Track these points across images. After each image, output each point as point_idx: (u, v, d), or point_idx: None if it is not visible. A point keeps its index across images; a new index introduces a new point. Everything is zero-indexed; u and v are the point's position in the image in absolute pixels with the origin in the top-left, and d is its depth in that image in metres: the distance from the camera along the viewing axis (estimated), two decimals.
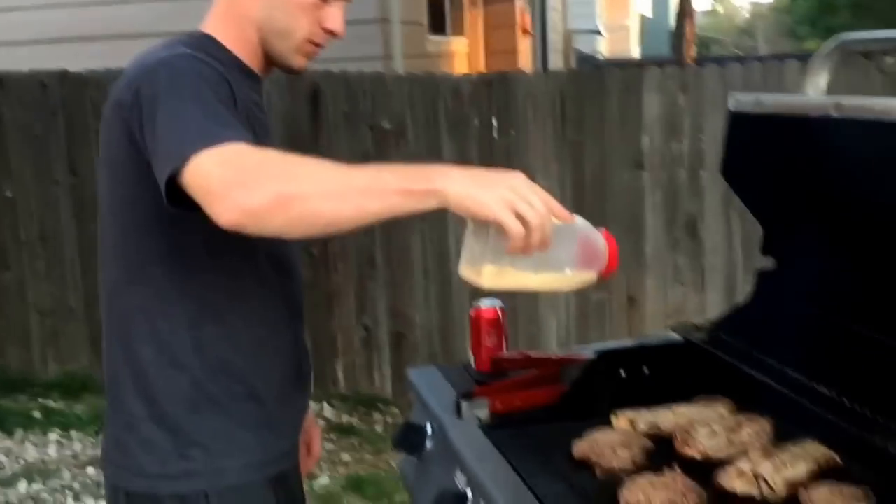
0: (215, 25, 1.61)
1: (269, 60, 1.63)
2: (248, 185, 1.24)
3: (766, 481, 1.42)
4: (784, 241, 1.74)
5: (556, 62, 9.86)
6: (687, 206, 4.61)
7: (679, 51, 7.60)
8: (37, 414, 4.95)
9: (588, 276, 1.43)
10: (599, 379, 1.77)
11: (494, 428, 1.72)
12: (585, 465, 1.56)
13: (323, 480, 4.17)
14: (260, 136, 1.53)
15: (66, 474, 4.25)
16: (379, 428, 4.82)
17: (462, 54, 8.90)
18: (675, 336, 1.96)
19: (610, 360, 1.78)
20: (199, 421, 1.56)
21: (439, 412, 1.85)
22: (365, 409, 4.98)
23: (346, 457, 4.46)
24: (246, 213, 1.23)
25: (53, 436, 4.67)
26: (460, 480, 1.65)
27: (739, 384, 1.68)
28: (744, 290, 4.62)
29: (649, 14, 18.90)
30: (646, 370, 1.82)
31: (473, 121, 4.76)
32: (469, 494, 1.60)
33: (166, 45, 1.52)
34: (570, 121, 4.67)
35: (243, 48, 1.59)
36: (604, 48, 15.03)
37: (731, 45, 26.15)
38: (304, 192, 1.24)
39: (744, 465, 1.45)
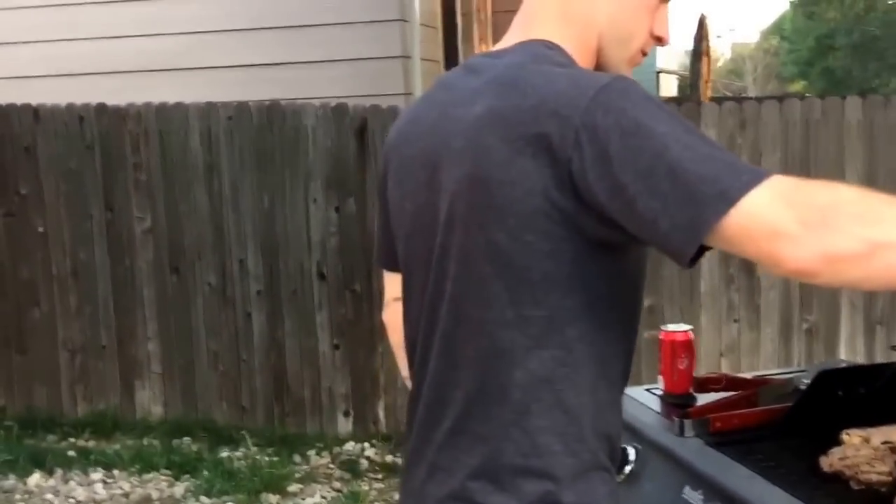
0: (553, 31, 1.36)
1: (597, 71, 1.39)
2: (829, 225, 1.07)
3: None
4: None
5: None
6: None
7: (696, 89, 7.69)
8: (72, 453, 4.78)
9: None
10: (821, 398, 1.73)
11: (722, 445, 1.69)
12: (836, 480, 1.56)
13: None
14: None
15: None
16: None
17: None
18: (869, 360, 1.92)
19: (830, 381, 1.75)
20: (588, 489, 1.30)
21: (652, 433, 1.80)
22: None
23: (398, 496, 4.34)
24: (827, 258, 1.07)
25: (96, 475, 4.51)
26: (693, 497, 1.62)
27: None
28: (800, 326, 4.64)
29: None
30: (862, 390, 1.78)
31: None
32: None
33: (539, 59, 1.29)
34: None
35: (583, 55, 1.36)
36: None
37: (720, 86, 26.60)
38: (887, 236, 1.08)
39: None
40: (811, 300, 4.61)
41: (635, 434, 1.83)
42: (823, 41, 23.96)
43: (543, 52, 1.32)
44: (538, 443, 1.25)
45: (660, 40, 1.41)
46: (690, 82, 8.37)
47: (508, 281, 1.25)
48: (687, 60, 18.34)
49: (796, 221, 1.07)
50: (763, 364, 4.63)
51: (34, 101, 5.17)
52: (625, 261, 1.27)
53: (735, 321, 4.67)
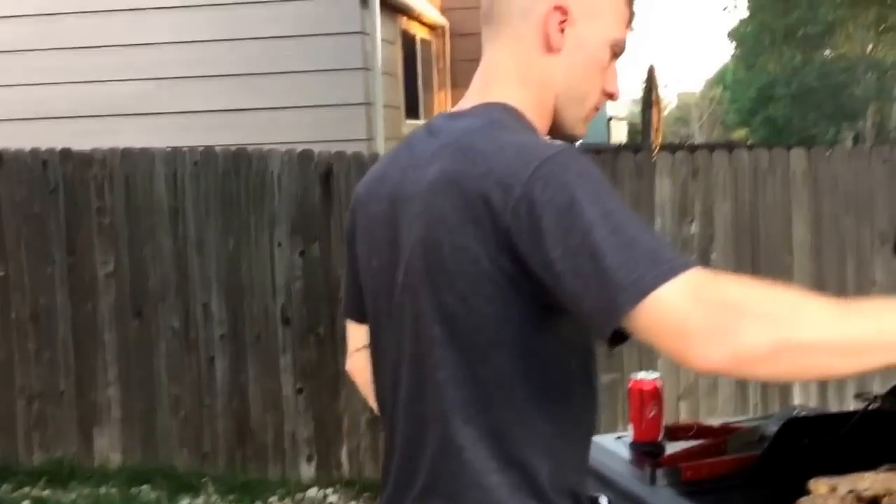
0: (511, 93, 1.40)
1: (554, 130, 1.45)
2: (739, 327, 1.07)
3: None
4: None
5: None
6: None
7: (647, 138, 7.85)
8: (27, 503, 4.72)
9: None
10: (788, 447, 1.80)
11: (693, 494, 1.74)
12: None
13: None
14: None
15: None
16: None
17: None
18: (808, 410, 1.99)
19: (797, 429, 1.82)
20: None
21: (624, 482, 1.85)
22: (371, 494, 4.88)
23: None
24: (734, 359, 1.07)
25: None
26: None
27: None
28: None
29: None
30: (827, 438, 1.85)
31: None
32: None
33: (494, 125, 1.33)
34: None
35: (540, 116, 1.41)
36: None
37: (669, 133, 27.14)
38: (806, 341, 1.09)
39: None
40: None
41: (606, 482, 1.88)
42: (764, 91, 24.70)
43: (499, 117, 1.35)
44: (496, 499, 1.28)
45: (611, 96, 1.45)
46: (642, 130, 8.55)
47: (458, 343, 1.28)
48: (635, 108, 18.68)
49: (704, 320, 1.08)
50: (721, 407, 4.73)
51: None
52: (574, 321, 1.25)
53: None
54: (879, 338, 1.10)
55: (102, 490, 4.86)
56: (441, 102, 9.63)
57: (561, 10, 1.37)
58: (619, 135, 19.36)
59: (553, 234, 1.16)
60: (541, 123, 1.41)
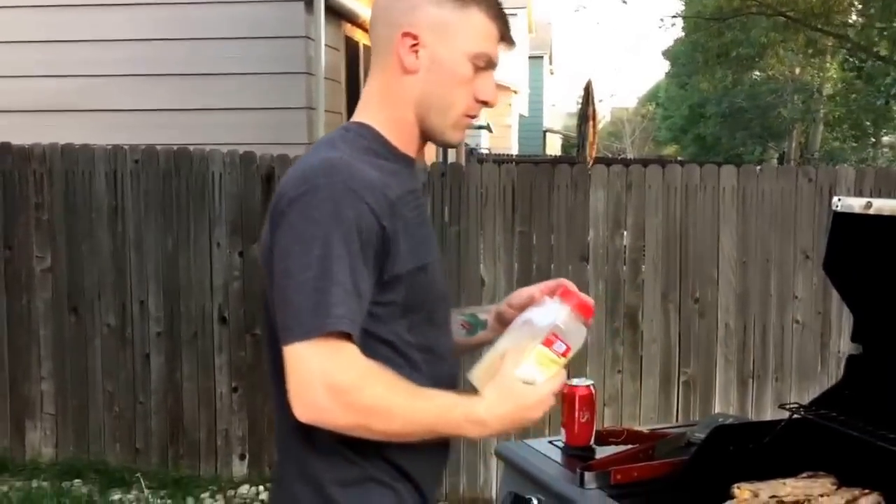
0: (372, 114, 1.64)
1: (425, 136, 1.66)
2: (334, 409, 1.42)
3: None
4: (872, 330, 1.96)
5: (451, 155, 10.19)
6: (628, 298, 4.87)
7: (582, 151, 8.05)
8: None
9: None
10: (714, 453, 1.91)
11: (622, 497, 1.84)
12: None
13: None
14: (415, 223, 1.59)
15: None
16: None
17: None
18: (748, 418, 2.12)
19: (723, 436, 1.93)
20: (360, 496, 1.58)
21: (555, 484, 1.95)
22: None
23: None
24: (319, 422, 1.44)
25: None
26: None
27: (843, 459, 1.87)
28: (679, 378, 4.93)
29: (526, 114, 19.87)
30: (751, 446, 1.97)
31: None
32: None
33: (327, 144, 1.59)
34: (518, 213, 4.89)
35: (401, 131, 1.63)
36: (487, 144, 15.61)
37: (602, 147, 27.57)
38: (380, 429, 1.46)
39: None
40: (689, 354, 4.91)
41: (538, 484, 1.98)
42: (695, 109, 25.33)
43: (339, 135, 1.62)
44: (317, 452, 1.56)
45: (485, 103, 1.65)
46: (577, 143, 8.75)
47: (270, 329, 1.56)
48: (570, 121, 18.94)
49: (310, 391, 1.41)
50: (644, 414, 4.89)
51: None
52: (388, 292, 1.52)
53: (619, 372, 4.92)
54: (436, 426, 1.50)
55: (34, 483, 4.85)
56: None
57: (410, 35, 1.58)
58: (554, 147, 19.68)
59: (277, 255, 1.48)
60: (402, 136, 1.64)
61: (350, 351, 1.43)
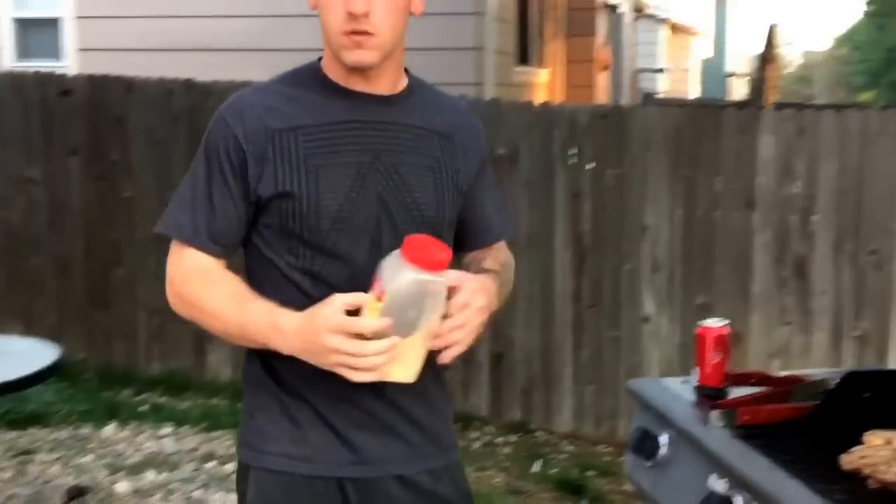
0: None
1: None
2: (172, 300, 1.74)
3: None
4: None
5: (624, 98, 10.03)
6: (797, 248, 4.71)
7: (759, 94, 7.76)
8: (145, 407, 5.09)
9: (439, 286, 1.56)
10: (846, 399, 1.87)
11: (747, 438, 1.84)
12: (854, 478, 1.67)
13: None
14: (314, 153, 1.68)
15: (188, 467, 4.38)
16: (477, 445, 4.90)
17: (543, 85, 9.08)
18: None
19: (858, 382, 1.89)
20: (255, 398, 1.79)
21: (683, 422, 1.97)
22: (461, 427, 5.07)
23: None
24: (172, 305, 1.75)
25: (166, 430, 4.80)
26: (717, 485, 1.77)
27: None
28: (850, 333, 4.74)
29: (708, 58, 19.19)
30: (888, 394, 1.91)
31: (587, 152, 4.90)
32: (736, 497, 1.72)
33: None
34: (682, 157, 4.79)
35: (330, 63, 1.74)
36: (664, 87, 15.24)
37: (788, 92, 26.35)
38: (207, 324, 1.71)
39: None
40: (863, 307, 4.71)
41: (667, 422, 2.00)
42: (893, 53, 23.59)
43: (295, 68, 1.81)
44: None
45: (353, 15, 1.63)
46: (754, 87, 8.43)
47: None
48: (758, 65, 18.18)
49: (165, 278, 1.74)
50: (814, 367, 4.73)
51: (129, 74, 5.48)
52: (265, 215, 1.71)
53: (787, 324, 4.78)
54: (239, 329, 1.66)
55: (214, 401, 5.20)
56: (555, 51, 9.59)
57: None
58: (740, 90, 18.94)
59: None
60: (332, 67, 1.75)
61: (187, 254, 1.70)
